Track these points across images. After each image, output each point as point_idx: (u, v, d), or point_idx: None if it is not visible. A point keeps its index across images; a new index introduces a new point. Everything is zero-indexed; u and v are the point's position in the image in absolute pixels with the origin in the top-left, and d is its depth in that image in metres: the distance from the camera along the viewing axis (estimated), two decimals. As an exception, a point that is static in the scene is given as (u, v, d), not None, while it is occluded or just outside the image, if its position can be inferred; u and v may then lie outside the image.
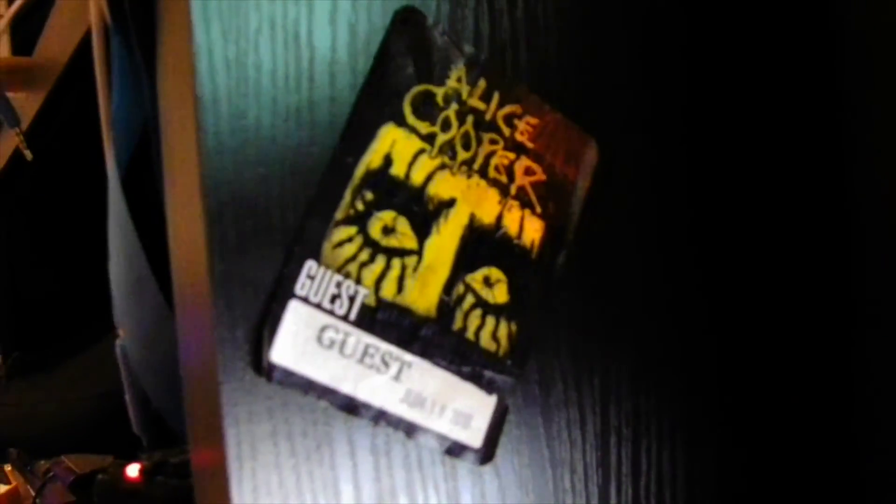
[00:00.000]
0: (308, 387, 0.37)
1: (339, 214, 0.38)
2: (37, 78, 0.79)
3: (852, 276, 0.53)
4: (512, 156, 0.41)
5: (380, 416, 0.39)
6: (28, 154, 0.72)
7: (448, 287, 0.40)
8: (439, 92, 0.40)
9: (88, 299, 1.23)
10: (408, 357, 0.39)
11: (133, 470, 0.49)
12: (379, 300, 0.39)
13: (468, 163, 0.40)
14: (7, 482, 1.17)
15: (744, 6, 0.48)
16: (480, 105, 0.41)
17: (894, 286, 0.52)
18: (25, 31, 0.84)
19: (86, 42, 0.62)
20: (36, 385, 1.03)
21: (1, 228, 1.26)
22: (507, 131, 0.41)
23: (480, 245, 0.41)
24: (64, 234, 1.26)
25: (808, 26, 0.51)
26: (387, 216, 0.39)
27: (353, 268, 0.38)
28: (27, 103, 0.84)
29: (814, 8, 0.51)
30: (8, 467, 1.19)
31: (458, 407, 0.40)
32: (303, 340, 0.37)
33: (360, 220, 0.38)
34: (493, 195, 0.41)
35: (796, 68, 0.50)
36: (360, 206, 0.38)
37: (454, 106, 0.40)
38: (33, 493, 0.91)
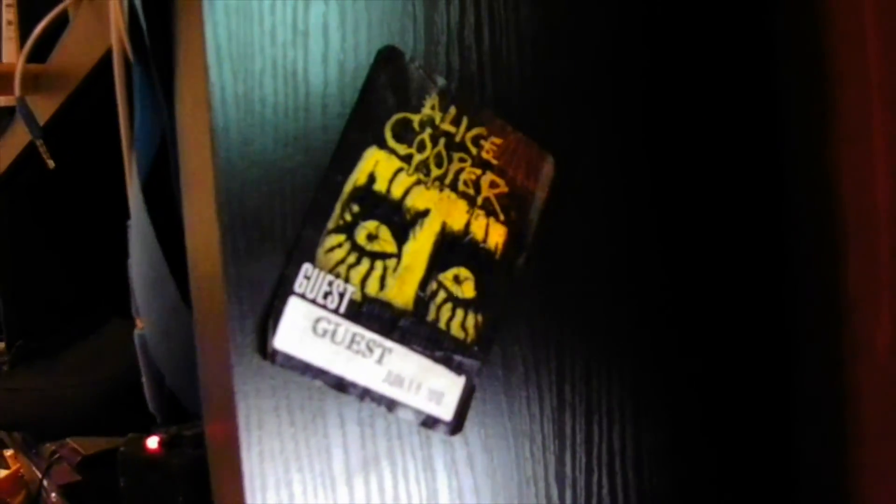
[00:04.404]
0: (305, 368, 0.41)
1: (330, 224, 0.42)
2: (51, 84, 0.82)
3: (786, 271, 0.56)
4: (479, 171, 0.46)
5: (365, 393, 0.43)
6: (51, 163, 0.75)
7: (423, 284, 0.44)
8: (416, 118, 0.44)
9: (89, 290, 1.26)
10: (389, 344, 0.43)
11: (153, 442, 0.53)
12: (364, 296, 0.43)
13: (440, 178, 0.45)
14: (7, 467, 1.16)
15: (691, 31, 0.52)
16: (451, 128, 0.45)
17: (821, 280, 0.57)
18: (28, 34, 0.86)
19: (104, 59, 0.66)
20: (39, 372, 1.03)
21: (6, 220, 1.25)
22: (474, 150, 0.45)
23: (451, 249, 0.45)
24: (67, 228, 1.27)
25: (751, 55, 0.54)
26: (371, 225, 0.43)
27: (342, 269, 0.42)
28: (37, 107, 0.87)
29: (755, 40, 0.55)
30: (9, 452, 1.17)
31: (431, 386, 0.44)
32: (301, 330, 0.41)
33: (348, 229, 0.42)
34: (462, 206, 0.45)
35: (740, 90, 0.53)
36: (348, 217, 0.42)
37: (428, 130, 0.44)
38: (39, 475, 0.91)
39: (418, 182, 0.44)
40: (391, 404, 0.44)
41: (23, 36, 1.02)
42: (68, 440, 0.92)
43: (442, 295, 0.45)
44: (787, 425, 0.57)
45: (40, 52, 0.82)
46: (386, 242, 0.43)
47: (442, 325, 0.45)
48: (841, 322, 0.55)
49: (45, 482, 0.90)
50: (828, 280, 0.55)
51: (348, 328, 0.43)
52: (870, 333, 0.53)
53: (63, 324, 1.21)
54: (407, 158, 0.44)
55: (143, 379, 0.57)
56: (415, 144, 0.44)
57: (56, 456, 0.91)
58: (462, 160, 0.45)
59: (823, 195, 0.55)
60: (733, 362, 0.54)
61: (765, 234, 0.55)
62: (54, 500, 0.85)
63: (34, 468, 0.98)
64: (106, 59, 0.63)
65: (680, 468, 0.52)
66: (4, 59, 1.04)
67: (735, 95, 0.54)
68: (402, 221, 0.44)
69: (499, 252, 0.46)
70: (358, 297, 0.43)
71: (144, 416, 0.60)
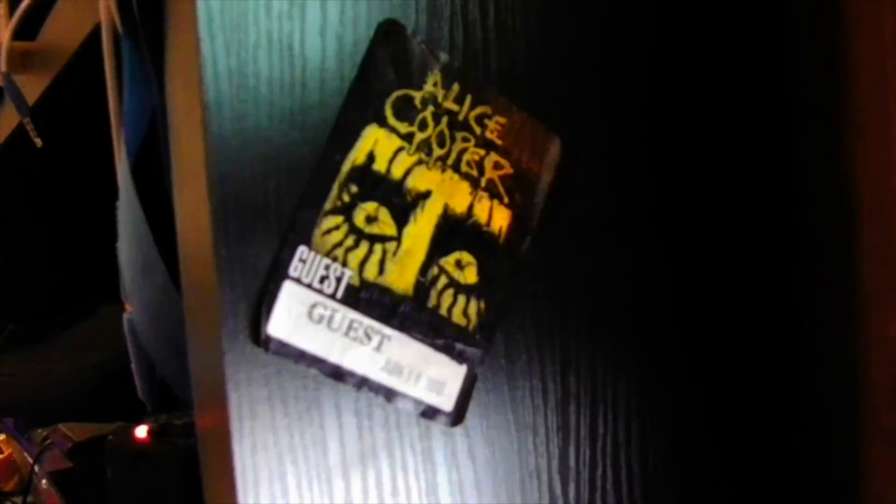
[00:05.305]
0: (300, 356, 0.40)
1: (327, 205, 0.41)
2: (40, 62, 0.80)
3: (799, 263, 0.56)
4: (482, 152, 0.44)
5: (363, 383, 0.42)
6: (38, 142, 0.74)
7: (424, 269, 0.43)
8: (417, 95, 0.43)
9: (81, 274, 1.25)
10: (388, 331, 0.42)
11: (141, 431, 0.52)
12: (362, 281, 0.42)
13: (443, 159, 0.43)
14: (0, 452, 1.19)
15: (702, 9, 0.50)
16: (454, 107, 0.44)
17: (835, 272, 0.56)
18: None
19: (93, 35, 0.65)
20: (31, 357, 1.03)
21: (-4, 205, 1.28)
22: (478, 130, 0.44)
23: (453, 232, 0.44)
24: (58, 212, 1.27)
25: (763, 43, 0.53)
26: (370, 207, 0.42)
27: (339, 252, 0.41)
28: (26, 86, 0.86)
29: (767, 27, 0.53)
30: (1, 437, 1.21)
31: (432, 375, 0.44)
32: (296, 316, 0.40)
33: (346, 211, 0.41)
34: (464, 187, 0.44)
35: (752, 73, 0.52)
36: (346, 198, 0.41)
37: (431, 108, 0.43)
38: (31, 461, 0.91)
39: (419, 162, 0.43)
40: (390, 394, 0.43)
41: (12, 12, 1.00)
42: (60, 426, 0.92)
43: (443, 280, 0.44)
44: (796, 420, 0.56)
45: (29, 30, 0.81)
46: (385, 225, 0.42)
47: (443, 311, 0.44)
48: (855, 315, 0.54)
49: (36, 468, 0.90)
50: (842, 273, 0.55)
51: (345, 314, 0.42)
52: (884, 326, 0.53)
53: (54, 309, 1.21)
54: (408, 137, 0.43)
55: (133, 366, 0.55)
56: (416, 123, 0.43)
57: (48, 442, 0.91)
58: (465, 140, 0.44)
59: (838, 186, 0.55)
60: (742, 354, 0.53)
61: (777, 225, 0.54)
62: (45, 486, 0.84)
63: (26, 454, 0.98)
64: (96, 35, 0.61)
65: (685, 461, 0.51)
66: (-7, 36, 1.03)
67: (748, 78, 0.53)
68: (402, 203, 0.43)
69: (502, 236, 0.45)
70: (356, 281, 0.42)
71: (137, 402, 0.60)
